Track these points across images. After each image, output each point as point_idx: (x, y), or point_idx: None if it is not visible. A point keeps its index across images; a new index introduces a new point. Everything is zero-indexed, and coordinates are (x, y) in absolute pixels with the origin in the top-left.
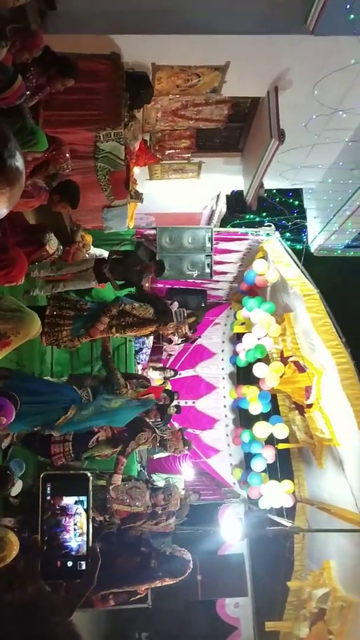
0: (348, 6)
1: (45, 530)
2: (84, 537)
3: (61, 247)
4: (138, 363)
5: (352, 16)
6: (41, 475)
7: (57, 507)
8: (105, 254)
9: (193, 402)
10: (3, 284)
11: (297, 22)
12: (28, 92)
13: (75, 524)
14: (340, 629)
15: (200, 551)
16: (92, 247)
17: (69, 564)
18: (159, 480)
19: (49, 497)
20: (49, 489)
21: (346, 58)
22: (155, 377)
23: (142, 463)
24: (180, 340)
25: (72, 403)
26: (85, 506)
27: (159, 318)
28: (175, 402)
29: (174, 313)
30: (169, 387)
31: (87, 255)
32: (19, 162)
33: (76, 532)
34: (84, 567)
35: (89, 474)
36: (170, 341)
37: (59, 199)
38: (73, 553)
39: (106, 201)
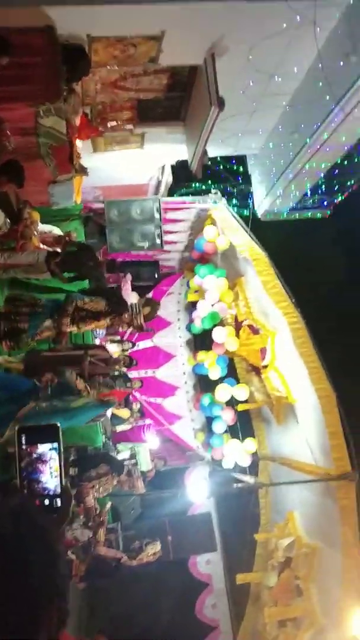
0: None
1: (24, 476)
2: (58, 479)
3: (8, 221)
4: (95, 337)
5: None
6: (16, 428)
7: (34, 455)
8: (54, 230)
9: (153, 372)
10: None
11: None
12: None
13: (50, 468)
14: (306, 573)
15: (169, 514)
16: (40, 224)
17: (47, 502)
18: (124, 449)
19: (24, 447)
20: (23, 439)
21: (279, 23)
22: (114, 350)
23: (106, 434)
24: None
25: (29, 395)
26: (57, 451)
27: (113, 309)
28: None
29: (129, 305)
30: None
31: (35, 233)
32: None
33: (52, 474)
34: (59, 504)
35: (58, 424)
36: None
37: (6, 180)
38: (51, 493)
39: (51, 176)
